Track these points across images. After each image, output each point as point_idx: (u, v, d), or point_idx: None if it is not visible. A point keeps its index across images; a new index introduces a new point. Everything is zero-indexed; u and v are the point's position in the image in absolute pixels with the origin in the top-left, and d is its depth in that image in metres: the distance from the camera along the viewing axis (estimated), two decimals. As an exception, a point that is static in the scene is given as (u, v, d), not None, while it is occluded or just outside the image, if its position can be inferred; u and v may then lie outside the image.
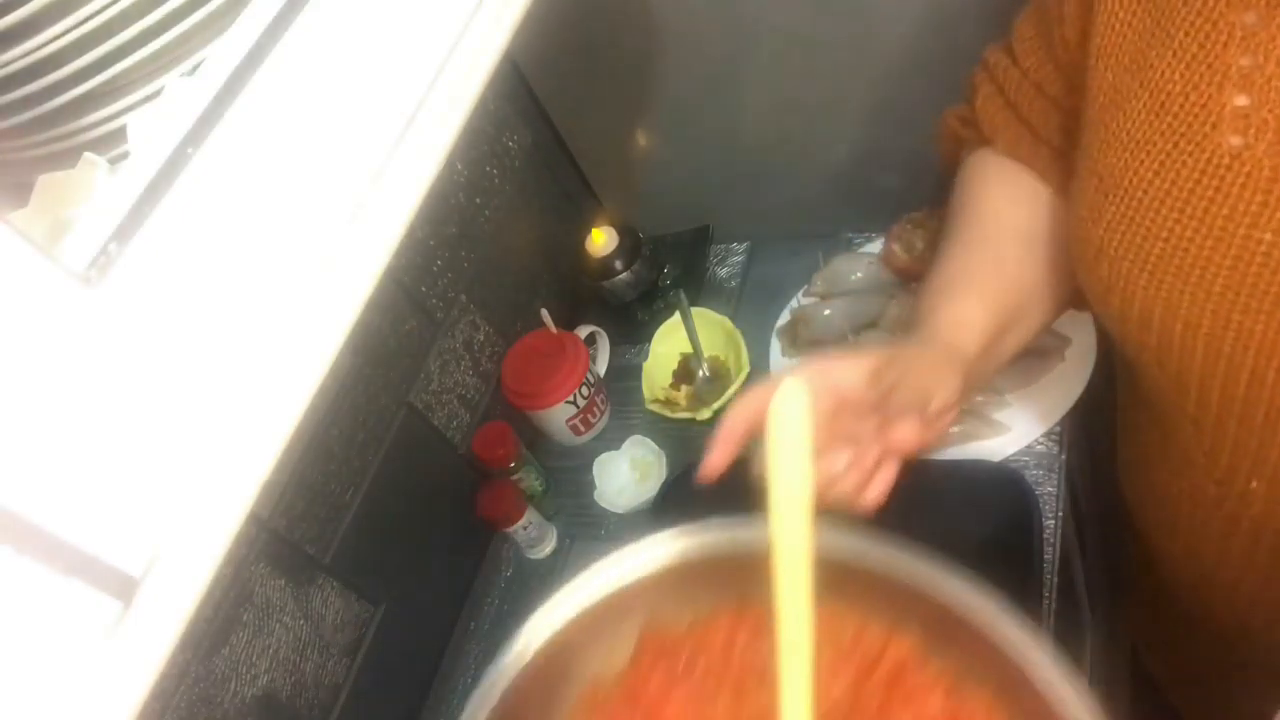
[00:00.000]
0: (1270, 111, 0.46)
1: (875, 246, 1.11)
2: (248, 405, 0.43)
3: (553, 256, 1.28)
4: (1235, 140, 0.48)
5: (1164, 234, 0.51)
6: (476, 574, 1.15)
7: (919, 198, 1.05)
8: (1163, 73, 0.51)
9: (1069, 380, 0.95)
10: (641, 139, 1.25)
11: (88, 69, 0.46)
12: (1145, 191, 0.51)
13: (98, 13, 0.45)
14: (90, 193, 0.47)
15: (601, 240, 1.20)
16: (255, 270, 0.44)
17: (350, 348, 0.46)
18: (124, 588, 0.38)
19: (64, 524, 0.36)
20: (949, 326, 0.63)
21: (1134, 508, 0.74)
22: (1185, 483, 0.63)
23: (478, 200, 1.15)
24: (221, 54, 0.45)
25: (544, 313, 1.16)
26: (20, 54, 0.45)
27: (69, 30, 0.45)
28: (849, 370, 0.59)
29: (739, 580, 0.57)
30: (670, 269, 1.27)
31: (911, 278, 1.07)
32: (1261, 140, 0.47)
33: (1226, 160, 0.48)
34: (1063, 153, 0.66)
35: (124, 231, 0.40)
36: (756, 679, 0.54)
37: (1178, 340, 0.52)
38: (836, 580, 0.51)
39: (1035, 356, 0.97)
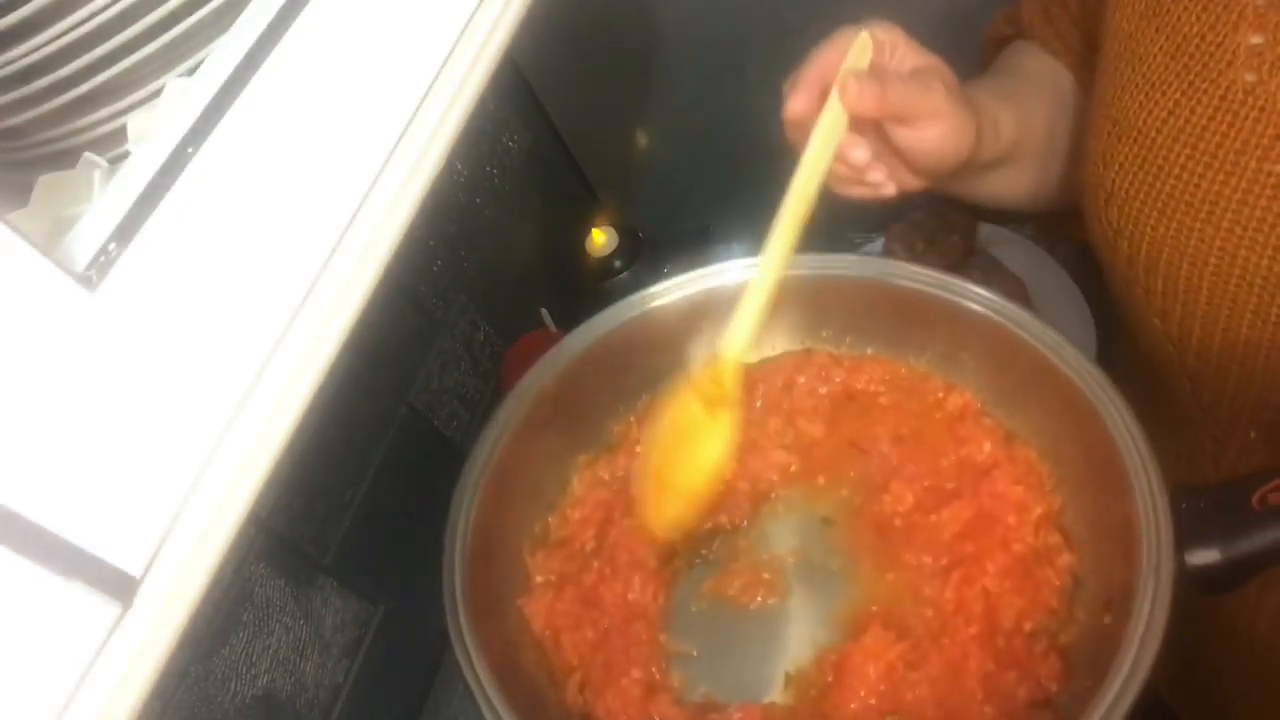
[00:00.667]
0: None
1: (875, 246, 1.11)
2: (248, 405, 0.43)
3: (553, 256, 1.28)
4: (1250, 77, 0.49)
5: (1176, 170, 0.52)
6: (476, 574, 1.15)
7: (919, 198, 1.05)
8: (1179, 16, 0.52)
9: (1069, 380, 0.95)
10: (641, 139, 1.25)
11: (88, 69, 0.46)
12: (1159, 131, 0.53)
13: (98, 13, 0.45)
14: (90, 193, 0.47)
15: (601, 240, 1.20)
16: (255, 270, 0.44)
17: (350, 348, 0.46)
18: (124, 588, 0.38)
19: (64, 524, 0.36)
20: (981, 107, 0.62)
21: None
22: (1182, 444, 0.63)
23: (478, 200, 1.14)
24: (221, 54, 0.45)
25: (544, 313, 1.16)
26: (20, 54, 0.45)
27: (69, 30, 0.45)
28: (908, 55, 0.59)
29: (809, 324, 0.63)
30: (670, 269, 1.26)
31: (911, 278, 1.07)
32: (1275, 76, 0.48)
33: (1240, 96, 0.49)
34: (1088, 64, 0.67)
35: (124, 231, 0.40)
36: (808, 415, 0.59)
37: (1183, 281, 0.53)
38: (905, 326, 0.59)
39: (1035, 356, 0.97)
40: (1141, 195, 0.54)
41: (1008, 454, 0.56)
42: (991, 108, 0.62)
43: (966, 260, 1.06)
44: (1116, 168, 0.55)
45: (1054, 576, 0.51)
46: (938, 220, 1.07)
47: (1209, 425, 0.59)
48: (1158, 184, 0.53)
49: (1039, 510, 0.53)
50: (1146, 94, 0.54)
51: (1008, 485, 0.54)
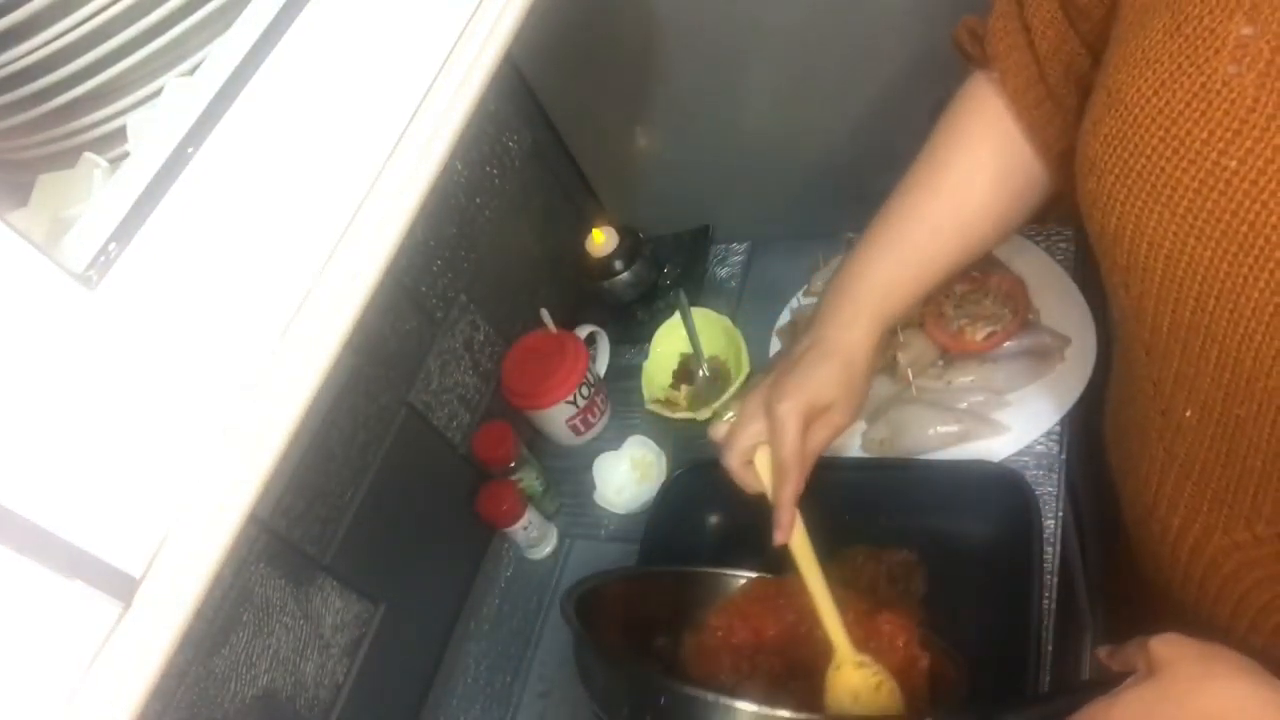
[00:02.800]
0: (1267, 43, 0.48)
1: (875, 246, 1.11)
2: (248, 405, 0.43)
3: (553, 256, 1.28)
4: (1231, 68, 0.50)
5: (1148, 151, 0.53)
6: (476, 574, 1.15)
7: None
8: None
9: (1069, 380, 0.95)
10: (641, 139, 1.25)
11: (88, 69, 0.46)
12: (1142, 109, 0.53)
13: (98, 13, 0.45)
14: (90, 193, 0.47)
15: (601, 240, 1.20)
16: (255, 270, 0.44)
17: (350, 348, 0.46)
18: (124, 588, 0.38)
19: (64, 524, 0.36)
20: (880, 290, 0.76)
21: (1108, 451, 0.76)
22: (1136, 412, 0.65)
23: (478, 200, 1.15)
24: (221, 54, 0.45)
25: (544, 313, 1.16)
26: (20, 54, 0.45)
27: (69, 30, 0.45)
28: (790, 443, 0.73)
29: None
30: (670, 269, 1.27)
31: (911, 278, 1.07)
32: (1253, 69, 0.49)
33: (1218, 86, 0.50)
34: (1055, 96, 0.69)
35: (124, 231, 0.40)
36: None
37: (1142, 260, 0.55)
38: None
39: (1035, 356, 0.97)
40: (1116, 170, 0.55)
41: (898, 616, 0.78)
42: (883, 283, 0.76)
43: (966, 260, 1.06)
44: (1101, 138, 0.56)
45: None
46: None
47: (1157, 399, 0.61)
48: (1131, 160, 0.54)
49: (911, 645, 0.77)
50: (1140, 69, 0.54)
51: (894, 631, 0.77)
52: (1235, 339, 0.51)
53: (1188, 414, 0.59)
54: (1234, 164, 0.49)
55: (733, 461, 0.74)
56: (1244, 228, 0.48)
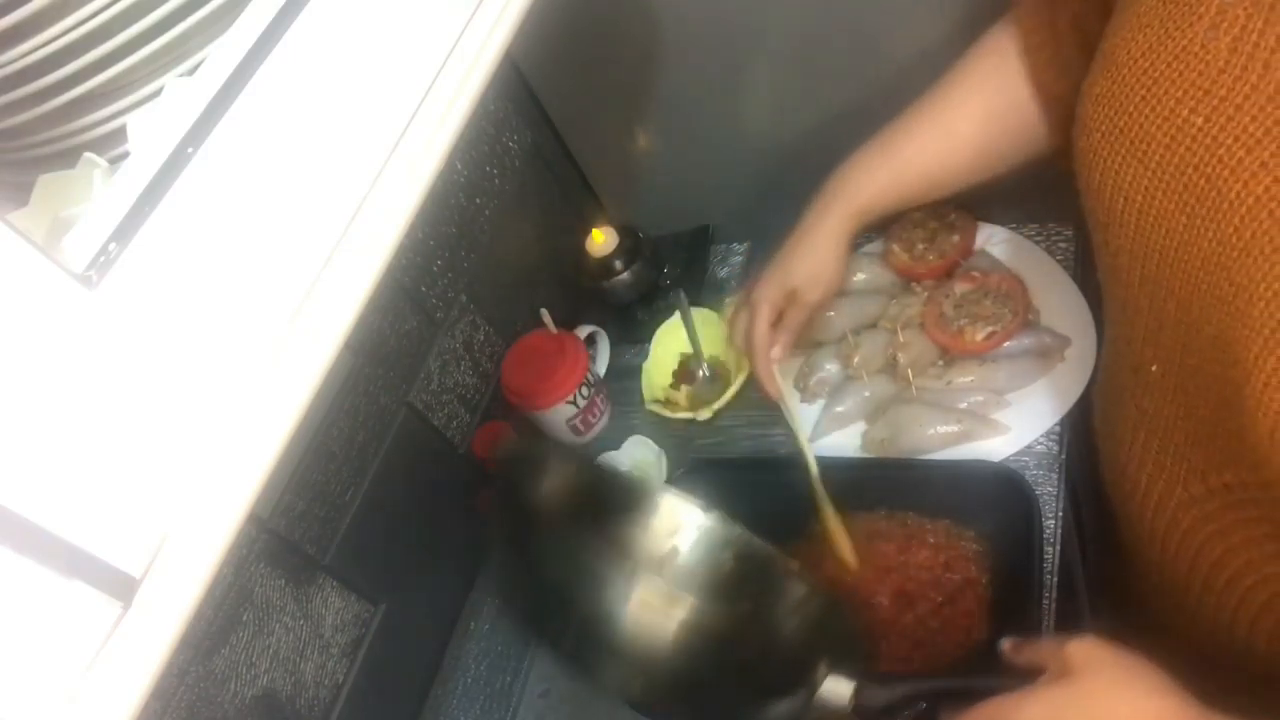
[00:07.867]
0: (1244, 9, 0.51)
1: (875, 246, 1.11)
2: (248, 405, 0.43)
3: (553, 256, 1.28)
4: (1208, 33, 0.53)
5: (1130, 109, 0.56)
6: (476, 574, 1.15)
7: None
8: None
9: (1069, 380, 0.95)
10: (641, 139, 1.25)
11: (88, 69, 0.46)
12: (1129, 69, 0.57)
13: (98, 13, 0.45)
14: (90, 193, 0.47)
15: (601, 240, 1.20)
16: (254, 269, 0.44)
17: (350, 348, 0.47)
18: (124, 588, 0.38)
19: (64, 524, 0.36)
20: (854, 186, 0.86)
21: (1094, 418, 0.78)
22: (1116, 373, 0.68)
23: (478, 200, 1.15)
24: (221, 54, 0.45)
25: (544, 313, 1.16)
26: (20, 54, 0.45)
27: (69, 30, 0.45)
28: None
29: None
30: (670, 269, 1.26)
31: (912, 278, 1.07)
32: (1228, 34, 0.51)
33: (1196, 49, 0.53)
34: (1059, 43, 0.73)
35: (124, 231, 0.40)
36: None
37: (1118, 215, 0.58)
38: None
39: (1035, 356, 0.97)
40: (1103, 128, 0.58)
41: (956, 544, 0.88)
42: (855, 207, 0.86)
43: (966, 260, 1.06)
44: (1093, 98, 0.60)
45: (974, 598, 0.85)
46: (938, 220, 1.06)
47: (1129, 355, 0.64)
48: (1116, 118, 0.57)
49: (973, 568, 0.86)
50: (1133, 33, 0.57)
51: (959, 562, 0.87)
52: (1188, 289, 0.54)
53: (1154, 369, 0.61)
54: (1200, 120, 0.52)
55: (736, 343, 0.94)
56: (1201, 179, 0.52)
